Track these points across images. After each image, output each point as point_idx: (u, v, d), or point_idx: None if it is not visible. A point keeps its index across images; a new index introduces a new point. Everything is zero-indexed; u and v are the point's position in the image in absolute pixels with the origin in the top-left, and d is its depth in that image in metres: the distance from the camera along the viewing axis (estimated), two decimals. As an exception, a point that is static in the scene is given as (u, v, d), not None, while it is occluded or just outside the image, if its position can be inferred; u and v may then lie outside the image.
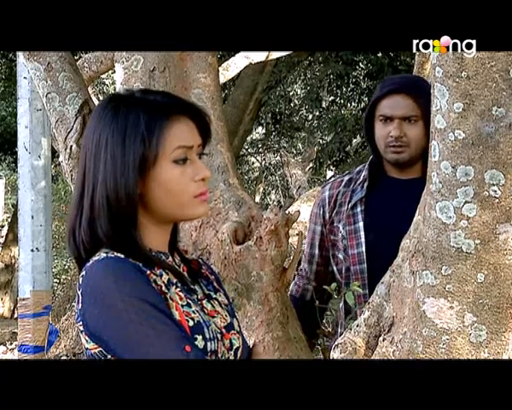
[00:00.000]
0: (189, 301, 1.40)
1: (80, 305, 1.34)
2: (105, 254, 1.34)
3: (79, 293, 1.34)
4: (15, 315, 9.36)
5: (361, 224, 2.41)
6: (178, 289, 1.40)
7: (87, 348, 1.34)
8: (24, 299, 3.03)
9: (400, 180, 2.44)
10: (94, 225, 1.37)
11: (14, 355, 6.86)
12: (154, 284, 1.34)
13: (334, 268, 2.49)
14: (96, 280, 1.32)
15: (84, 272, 1.35)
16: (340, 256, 2.44)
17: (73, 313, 7.54)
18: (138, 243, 1.38)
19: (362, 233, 2.40)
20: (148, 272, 1.35)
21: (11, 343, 8.11)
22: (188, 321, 1.35)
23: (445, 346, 1.73)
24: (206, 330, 1.38)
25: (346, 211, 2.43)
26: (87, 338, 1.34)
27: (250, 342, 2.09)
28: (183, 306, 1.37)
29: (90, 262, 1.35)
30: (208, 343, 1.37)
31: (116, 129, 1.36)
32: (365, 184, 2.45)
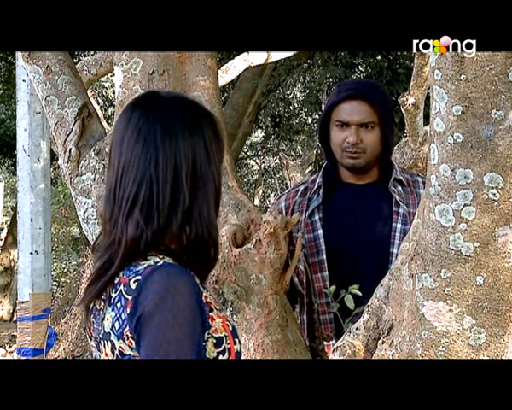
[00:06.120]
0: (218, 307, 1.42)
1: (135, 310, 1.28)
2: (167, 260, 1.33)
3: (133, 297, 1.28)
4: (14, 318, 9.35)
5: (320, 231, 2.37)
6: (209, 294, 1.41)
7: (125, 354, 1.30)
8: (23, 302, 3.03)
9: (356, 185, 2.42)
10: (190, 223, 1.36)
11: (14, 358, 6.85)
12: (203, 298, 1.34)
13: (295, 279, 2.39)
14: (166, 288, 1.27)
15: (139, 277, 1.30)
16: (301, 267, 2.36)
17: (73, 316, 7.53)
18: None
19: (322, 241, 2.36)
20: (199, 281, 1.37)
21: (10, 346, 8.10)
22: (228, 325, 1.37)
23: (444, 349, 1.72)
24: (238, 332, 1.41)
25: (304, 220, 2.38)
26: (132, 345, 1.29)
27: (250, 345, 2.09)
28: (220, 311, 1.39)
29: (147, 267, 1.31)
30: (240, 346, 1.40)
31: (203, 139, 1.44)
32: (321, 191, 2.41)
